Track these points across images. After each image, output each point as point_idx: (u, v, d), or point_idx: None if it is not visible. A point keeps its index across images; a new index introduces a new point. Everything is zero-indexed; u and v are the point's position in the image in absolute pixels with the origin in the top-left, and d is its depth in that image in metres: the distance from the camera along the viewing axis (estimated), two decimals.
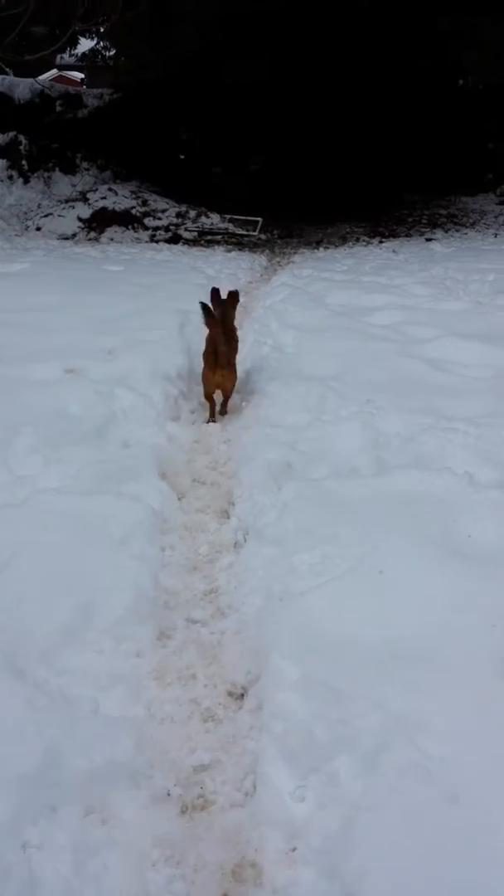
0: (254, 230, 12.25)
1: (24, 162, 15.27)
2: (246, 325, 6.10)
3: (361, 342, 5.16)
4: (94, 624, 2.21)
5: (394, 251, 10.84)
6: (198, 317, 5.78)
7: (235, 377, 4.31)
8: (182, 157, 16.42)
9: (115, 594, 2.30)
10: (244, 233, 12.15)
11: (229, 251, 10.70)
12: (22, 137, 15.40)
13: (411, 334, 5.42)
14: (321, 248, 11.59)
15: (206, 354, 4.18)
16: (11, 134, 15.45)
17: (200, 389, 4.35)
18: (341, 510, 2.79)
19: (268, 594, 2.41)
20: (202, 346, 4.32)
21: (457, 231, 13.28)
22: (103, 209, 11.85)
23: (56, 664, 2.08)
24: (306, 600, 2.27)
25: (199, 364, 4.40)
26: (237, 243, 11.76)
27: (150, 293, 6.66)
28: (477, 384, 4.32)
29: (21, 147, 15.41)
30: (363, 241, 12.40)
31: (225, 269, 8.80)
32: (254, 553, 2.64)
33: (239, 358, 4.63)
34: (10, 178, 15.06)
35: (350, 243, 12.19)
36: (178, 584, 2.55)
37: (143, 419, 3.84)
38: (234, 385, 4.30)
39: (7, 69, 17.69)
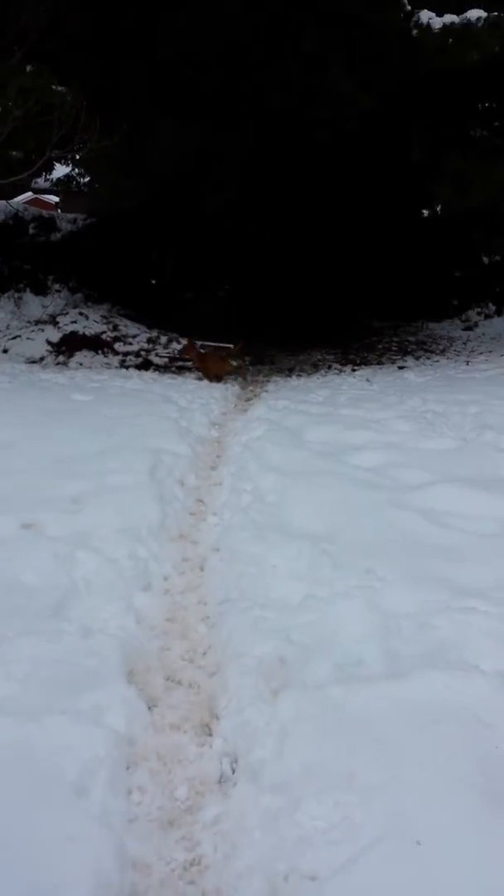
0: None
1: None
2: (222, 468, 5.66)
3: (349, 490, 4.72)
4: None
5: (367, 380, 10.68)
6: (171, 457, 5.46)
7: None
8: (153, 282, 16.53)
9: (66, 887, 1.69)
10: None
11: (201, 378, 10.43)
12: None
13: (401, 479, 5.00)
14: (294, 377, 11.40)
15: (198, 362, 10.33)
16: None
17: (174, 546, 4.11)
18: (354, 734, 2.24)
19: (270, 874, 1.82)
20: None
21: (427, 358, 13.27)
22: (73, 333, 11.61)
23: None
24: (323, 893, 1.69)
25: (173, 515, 4.52)
26: None
27: (119, 428, 6.22)
28: (484, 543, 3.86)
29: None
30: (335, 368, 12.27)
31: (198, 398, 8.46)
32: (247, 802, 2.06)
33: (216, 508, 4.78)
34: None
35: (322, 371, 12.05)
36: (150, 853, 1.94)
37: (109, 591, 3.29)
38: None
39: None
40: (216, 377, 10.30)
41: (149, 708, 2.54)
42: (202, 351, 11.24)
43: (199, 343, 12.16)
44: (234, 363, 11.42)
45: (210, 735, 2.45)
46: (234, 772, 2.26)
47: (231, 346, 12.24)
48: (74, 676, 2.53)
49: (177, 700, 2.63)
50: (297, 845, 1.88)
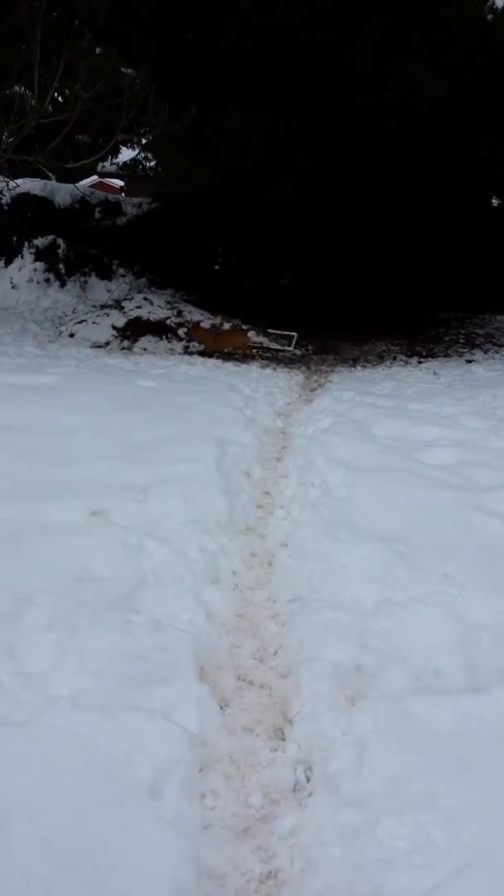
0: (289, 345, 11.96)
1: (61, 266, 15.36)
2: (288, 460, 5.58)
3: (421, 489, 4.58)
4: None
5: (434, 373, 10.46)
6: (237, 447, 5.40)
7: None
8: (217, 267, 16.48)
9: None
10: (279, 347, 11.85)
11: (264, 367, 10.35)
12: (61, 241, 15.57)
13: (475, 479, 4.84)
14: (358, 367, 11.22)
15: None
16: (50, 237, 15.64)
17: (242, 539, 4.01)
18: (435, 750, 2.15)
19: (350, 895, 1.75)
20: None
21: (496, 352, 12.93)
22: (138, 318, 11.64)
23: None
24: None
25: (241, 508, 4.39)
26: (272, 358, 11.43)
27: (184, 415, 6.20)
28: None
29: (59, 251, 15.56)
30: (401, 360, 12.05)
31: (261, 387, 8.39)
32: (324, 815, 1.99)
33: (283, 501, 4.70)
34: (48, 280, 15.13)
35: (388, 362, 11.84)
36: (225, 862, 1.89)
37: (178, 584, 3.25)
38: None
39: (50, 174, 18.15)
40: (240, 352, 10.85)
41: (221, 708, 2.49)
42: (223, 327, 11.69)
43: (266, 330, 12.12)
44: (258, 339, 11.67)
45: (283, 740, 2.38)
46: (308, 780, 2.19)
47: (294, 334, 12.13)
48: (146, 672, 2.49)
49: (249, 701, 2.57)
50: (378, 866, 1.80)
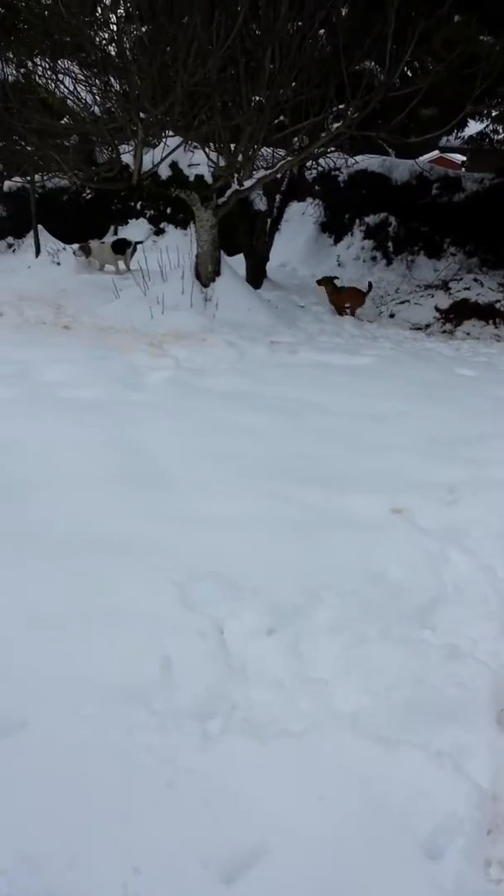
0: None
1: (389, 244, 15.25)
2: None
3: None
4: None
5: None
6: None
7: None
8: None
9: None
10: None
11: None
12: (392, 219, 15.43)
13: None
14: None
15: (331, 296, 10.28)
16: (383, 215, 15.58)
17: None
18: None
19: None
20: None
21: None
22: (464, 300, 11.10)
23: None
24: None
25: None
26: None
27: None
28: None
29: (390, 228, 15.45)
30: None
31: None
32: None
33: None
34: (374, 259, 15.13)
35: None
36: None
37: (481, 605, 2.95)
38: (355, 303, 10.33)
39: (389, 150, 18.02)
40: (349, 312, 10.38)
41: None
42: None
43: None
44: None
45: None
46: None
47: None
48: (435, 704, 2.26)
49: None
50: None
